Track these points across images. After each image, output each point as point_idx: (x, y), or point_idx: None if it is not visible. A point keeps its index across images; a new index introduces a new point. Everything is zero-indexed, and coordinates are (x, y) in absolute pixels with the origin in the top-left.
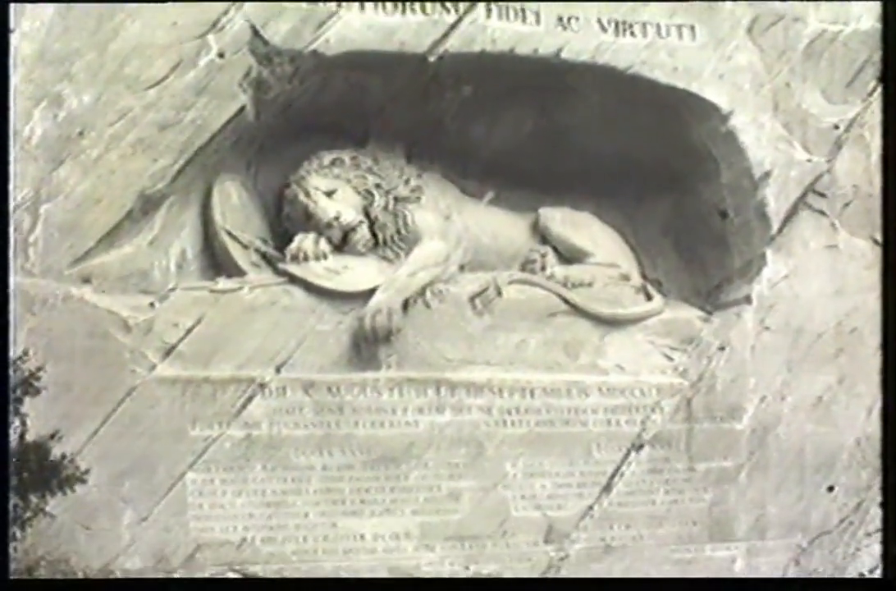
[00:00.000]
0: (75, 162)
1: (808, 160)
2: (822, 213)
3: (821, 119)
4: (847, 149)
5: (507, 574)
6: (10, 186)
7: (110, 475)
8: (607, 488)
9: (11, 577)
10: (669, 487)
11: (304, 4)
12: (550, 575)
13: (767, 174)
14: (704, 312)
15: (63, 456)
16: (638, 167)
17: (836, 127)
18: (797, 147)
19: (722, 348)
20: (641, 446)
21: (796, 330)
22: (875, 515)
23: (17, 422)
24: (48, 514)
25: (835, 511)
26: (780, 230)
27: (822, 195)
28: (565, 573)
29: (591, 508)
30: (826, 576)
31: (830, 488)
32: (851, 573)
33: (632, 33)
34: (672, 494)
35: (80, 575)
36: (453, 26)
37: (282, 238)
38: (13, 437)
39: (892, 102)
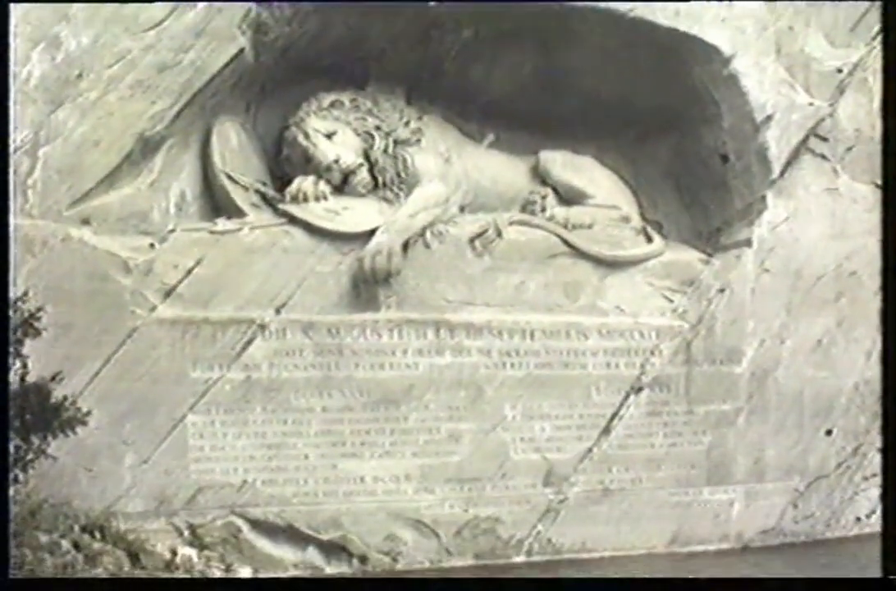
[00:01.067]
0: (74, 104)
1: (811, 104)
2: (823, 157)
3: (823, 63)
4: (850, 93)
5: (506, 517)
6: (11, 128)
7: (111, 417)
8: (606, 430)
9: (13, 520)
10: (668, 430)
11: None
12: (549, 518)
13: (769, 118)
14: (705, 254)
15: (64, 398)
16: (639, 110)
17: (839, 71)
18: (799, 91)
19: (722, 291)
20: (640, 389)
21: (796, 273)
22: (873, 459)
23: (17, 363)
24: (50, 456)
25: (833, 455)
26: (781, 174)
27: (824, 139)
28: (564, 515)
29: (590, 451)
30: (823, 521)
31: (829, 432)
32: (848, 516)
33: None
34: (671, 437)
35: (83, 518)
36: None
37: (281, 180)
38: (14, 378)
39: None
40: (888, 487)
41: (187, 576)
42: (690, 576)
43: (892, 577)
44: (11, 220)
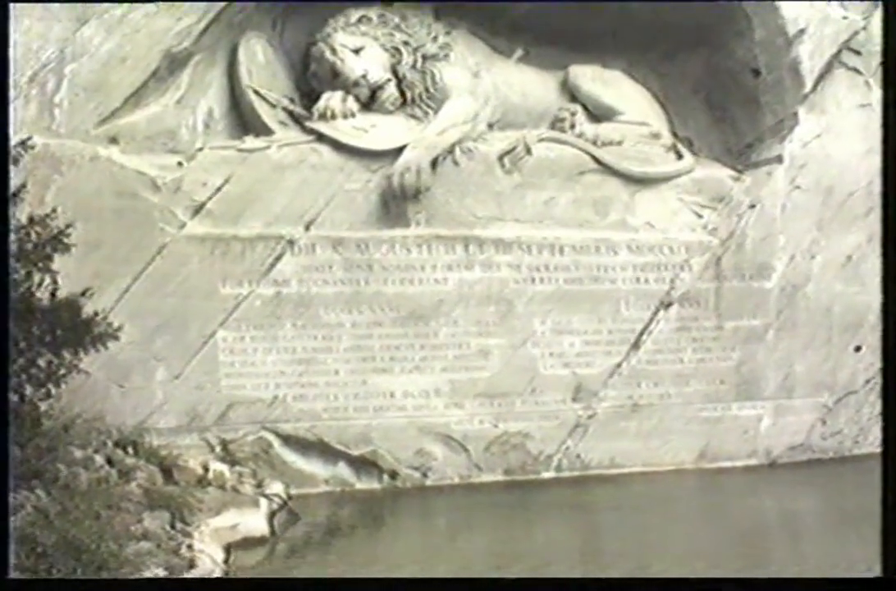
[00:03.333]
0: (100, 21)
1: (844, 17)
2: (856, 71)
3: None
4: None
5: (535, 432)
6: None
7: (142, 333)
8: (635, 346)
9: (48, 435)
10: (697, 345)
11: None
12: (578, 434)
13: (802, 31)
14: (735, 170)
15: (95, 313)
16: (669, 24)
17: None
18: (832, 4)
19: (752, 207)
20: (670, 304)
21: (827, 189)
22: None
23: (47, 279)
24: (82, 371)
25: (861, 371)
26: (813, 88)
27: (857, 53)
28: (593, 430)
29: (619, 366)
30: (851, 437)
31: (857, 348)
32: (877, 433)
33: None
34: (700, 352)
35: (115, 434)
36: None
37: (309, 97)
38: (44, 294)
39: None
40: (888, 487)
41: (218, 489)
42: (688, 576)
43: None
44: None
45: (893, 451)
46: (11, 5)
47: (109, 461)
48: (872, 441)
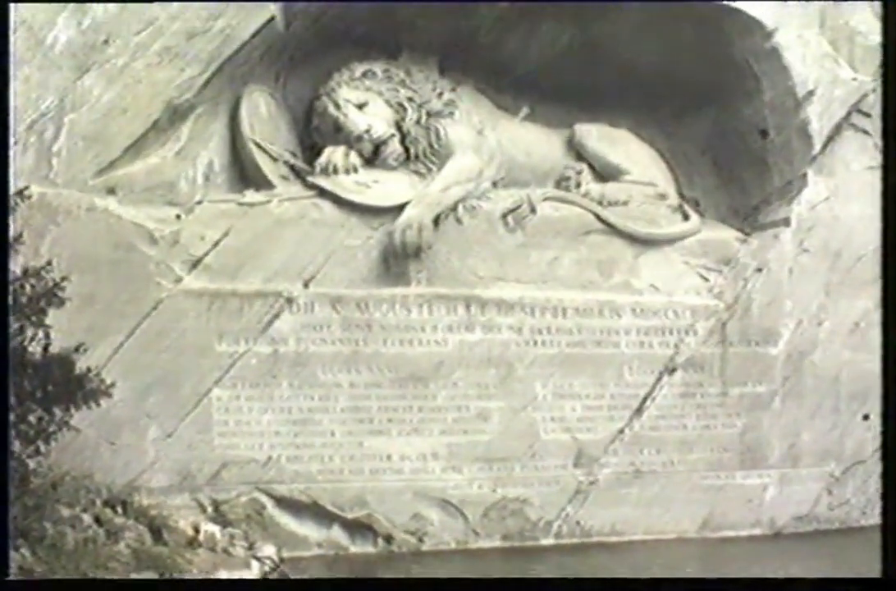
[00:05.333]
0: (100, 71)
1: (854, 79)
2: (865, 132)
3: (868, 36)
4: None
5: (535, 498)
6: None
7: (135, 390)
8: (638, 411)
9: (35, 493)
10: (702, 412)
11: None
12: (579, 500)
13: (811, 93)
14: (742, 233)
15: (88, 369)
16: (677, 84)
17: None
18: (843, 65)
19: (759, 270)
20: (674, 370)
21: (835, 253)
22: None
23: (40, 334)
24: (73, 428)
25: (869, 440)
26: (822, 150)
27: (867, 115)
28: (594, 497)
29: (621, 432)
30: (858, 508)
31: (866, 417)
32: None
33: None
34: (704, 419)
35: (105, 492)
36: None
37: (311, 151)
38: (36, 349)
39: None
40: (888, 487)
41: (209, 551)
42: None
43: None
44: (35, 188)
45: (893, 448)
46: (12, 5)
47: (98, 521)
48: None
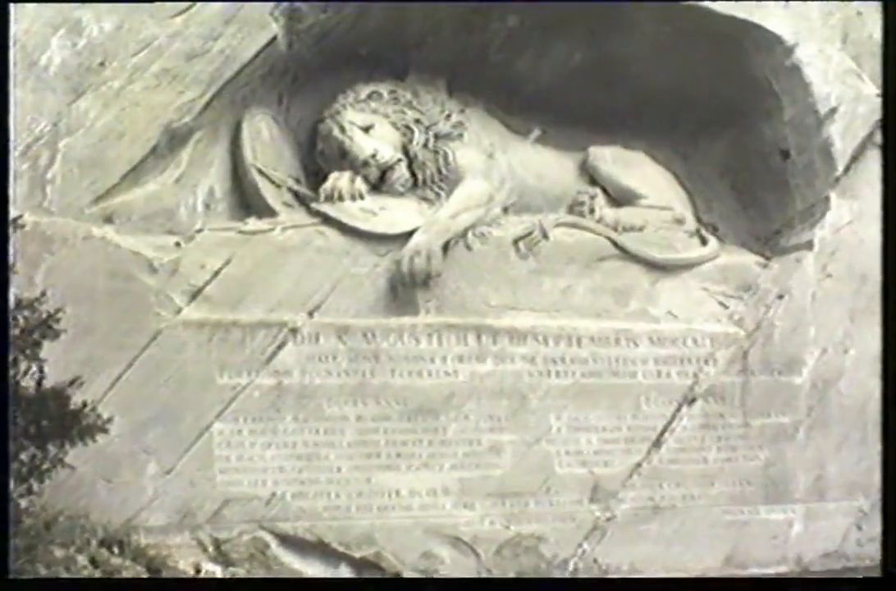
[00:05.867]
0: (96, 94)
1: (878, 95)
2: None
3: None
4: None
5: (550, 535)
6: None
7: (133, 425)
8: (657, 444)
9: (27, 533)
10: (723, 444)
11: None
12: (595, 536)
13: (834, 111)
14: (763, 257)
15: (84, 404)
16: (694, 103)
17: None
18: (866, 81)
19: (781, 296)
20: (694, 400)
21: (860, 277)
22: None
23: (34, 367)
24: (67, 465)
25: None
26: (845, 171)
27: None
28: (611, 533)
29: (639, 465)
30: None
31: None
32: None
33: None
34: (725, 451)
35: (101, 532)
36: None
37: (315, 176)
38: (30, 383)
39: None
40: (889, 487)
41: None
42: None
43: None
44: (28, 216)
45: (894, 461)
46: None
47: (93, 562)
48: None
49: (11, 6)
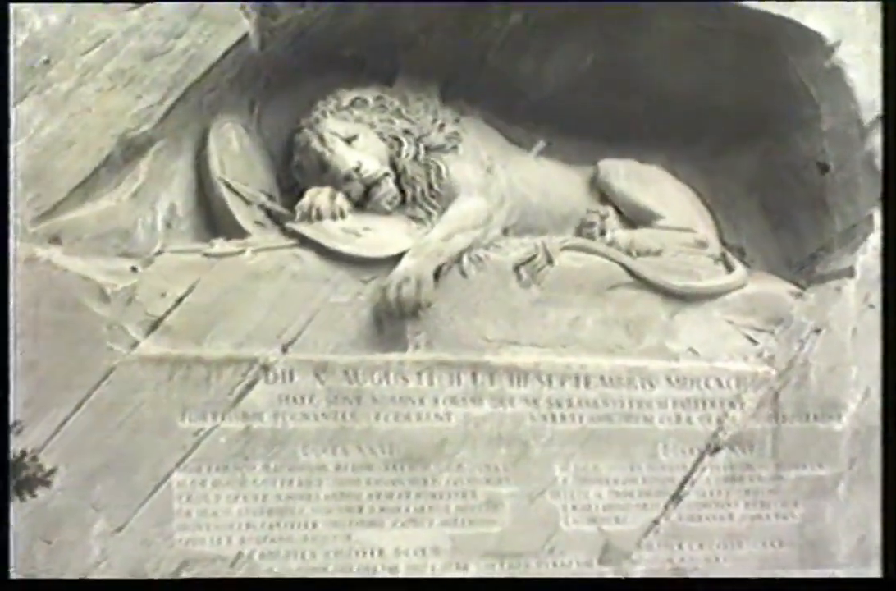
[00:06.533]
0: (41, 97)
1: None
2: None
3: None
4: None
5: None
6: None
7: (80, 476)
8: (676, 498)
9: None
10: (751, 499)
11: None
12: None
13: (879, 119)
14: (797, 286)
15: (23, 453)
16: (719, 111)
17: None
18: None
19: (817, 331)
20: (718, 449)
21: None
22: None
23: None
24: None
25: None
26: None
27: None
28: None
29: (656, 522)
30: None
31: None
32: None
33: None
34: (754, 507)
35: None
36: None
37: (291, 193)
38: None
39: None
40: (889, 487)
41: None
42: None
43: None
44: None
45: (893, 446)
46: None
47: None
48: None
49: (11, 6)
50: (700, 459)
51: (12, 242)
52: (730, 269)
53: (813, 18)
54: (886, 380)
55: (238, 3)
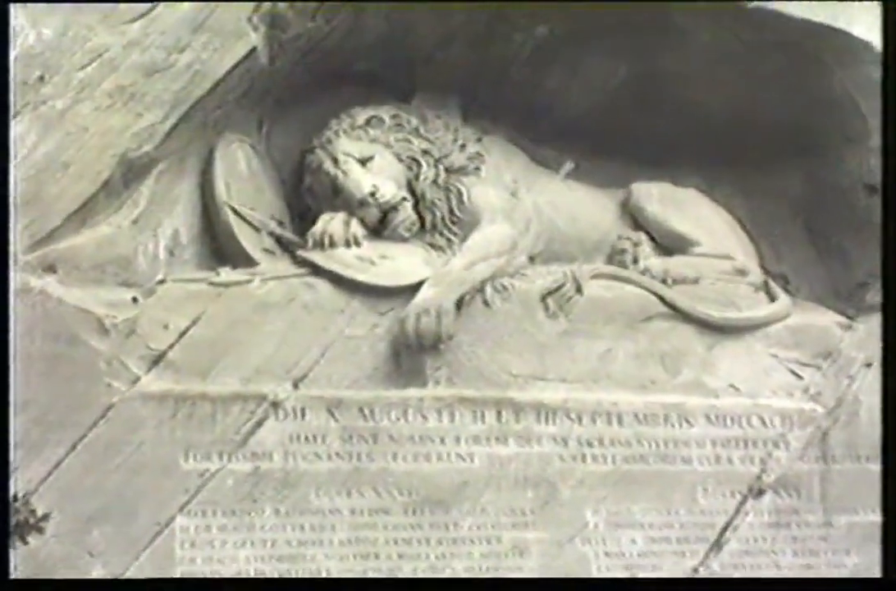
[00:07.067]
0: (35, 115)
1: None
2: None
3: None
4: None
5: None
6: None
7: (75, 521)
8: (717, 545)
9: None
10: (799, 546)
11: None
12: None
13: None
14: (845, 316)
15: (14, 497)
16: (760, 128)
17: None
18: None
19: (868, 365)
20: (762, 492)
21: None
22: None
23: None
24: None
25: None
26: None
27: None
28: None
29: (695, 570)
30: None
31: None
32: None
33: None
34: (803, 555)
35: None
36: None
37: (302, 218)
38: None
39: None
40: (889, 487)
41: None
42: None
43: None
44: None
45: (893, 445)
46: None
47: None
48: None
49: (11, 6)
50: (742, 503)
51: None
52: (772, 298)
53: (862, 27)
54: None
55: (245, 15)
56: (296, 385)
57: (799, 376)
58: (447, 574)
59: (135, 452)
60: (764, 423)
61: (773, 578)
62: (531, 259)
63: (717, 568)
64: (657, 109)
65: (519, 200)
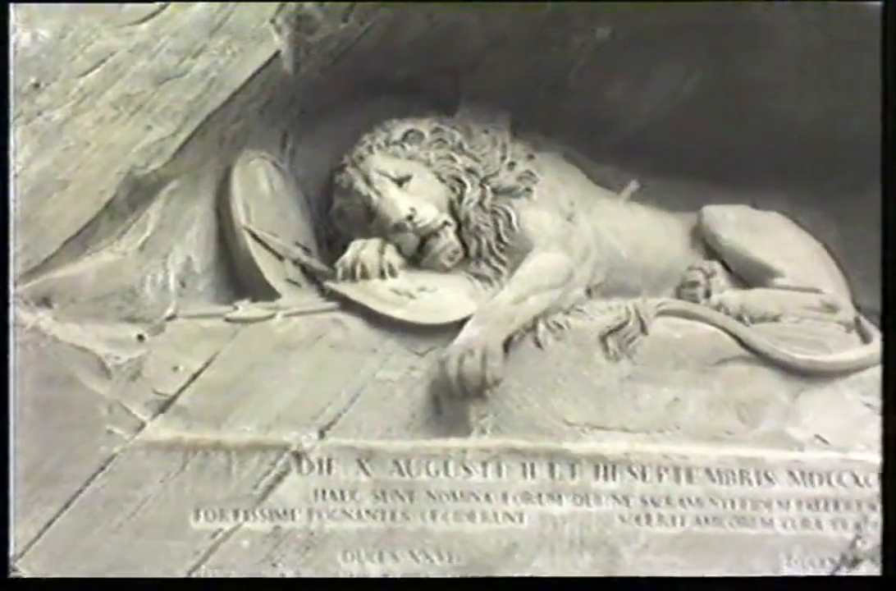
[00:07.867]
0: (29, 127)
1: None
2: None
3: None
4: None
5: None
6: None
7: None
8: None
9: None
10: None
11: None
12: None
13: None
14: None
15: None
16: (853, 142)
17: None
18: None
19: None
20: (857, 561)
21: None
22: None
23: None
24: None
25: None
26: None
27: None
28: None
29: None
30: None
31: None
32: None
33: None
34: None
35: None
36: None
37: (331, 245)
38: None
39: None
40: (888, 487)
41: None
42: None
43: None
44: None
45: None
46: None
47: None
48: None
49: (11, 6)
50: (835, 572)
51: None
52: (865, 339)
53: None
54: None
55: (268, 16)
56: (322, 434)
57: None
58: None
59: (138, 509)
60: (857, 481)
61: (773, 576)
62: (589, 293)
63: None
64: (734, 120)
65: (575, 226)
